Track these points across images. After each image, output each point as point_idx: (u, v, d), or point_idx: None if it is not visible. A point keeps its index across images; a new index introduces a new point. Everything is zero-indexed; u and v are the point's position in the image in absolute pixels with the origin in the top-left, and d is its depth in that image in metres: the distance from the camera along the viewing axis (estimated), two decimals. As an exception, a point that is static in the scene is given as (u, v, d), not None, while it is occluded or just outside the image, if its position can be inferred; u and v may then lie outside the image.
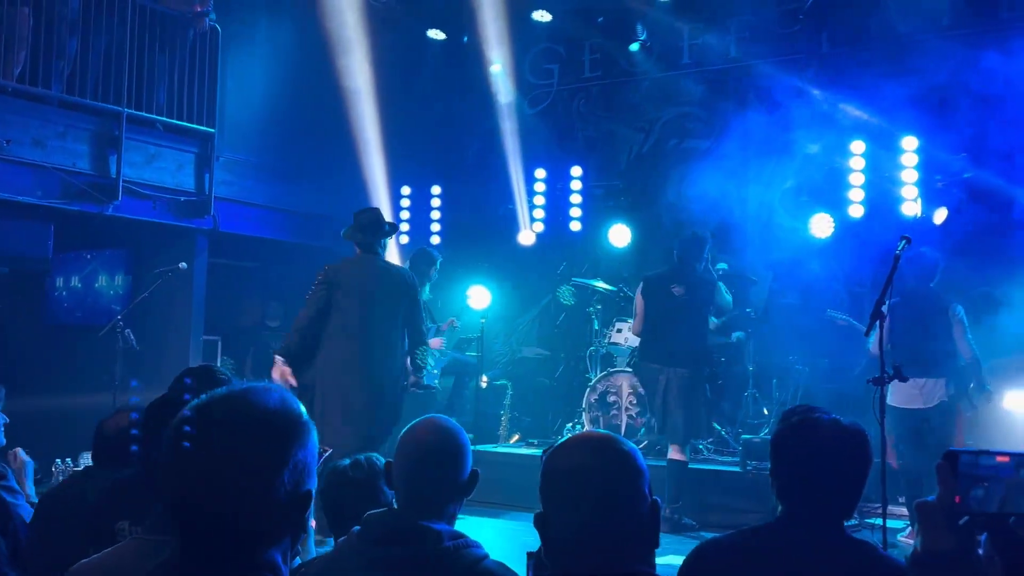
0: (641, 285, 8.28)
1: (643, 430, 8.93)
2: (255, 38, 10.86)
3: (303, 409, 1.70)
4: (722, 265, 9.60)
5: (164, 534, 2.25)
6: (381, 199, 11.08)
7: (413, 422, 2.69)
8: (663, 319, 7.93)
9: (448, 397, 10.09)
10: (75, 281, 10.76)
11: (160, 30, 9.64)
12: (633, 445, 2.05)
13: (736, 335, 9.63)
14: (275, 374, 6.70)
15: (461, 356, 9.95)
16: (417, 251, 9.15)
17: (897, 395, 7.11)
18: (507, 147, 11.15)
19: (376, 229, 6.93)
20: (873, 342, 6.46)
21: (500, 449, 9.60)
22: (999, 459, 1.67)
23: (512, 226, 11.24)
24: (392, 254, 10.86)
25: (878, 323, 5.70)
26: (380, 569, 2.42)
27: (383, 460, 3.23)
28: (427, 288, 9.11)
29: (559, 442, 2.08)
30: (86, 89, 9.01)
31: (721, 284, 8.07)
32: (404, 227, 11.81)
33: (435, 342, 9.05)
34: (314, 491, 1.67)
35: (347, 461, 3.44)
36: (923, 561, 1.64)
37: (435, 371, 9.13)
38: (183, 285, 9.83)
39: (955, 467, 1.65)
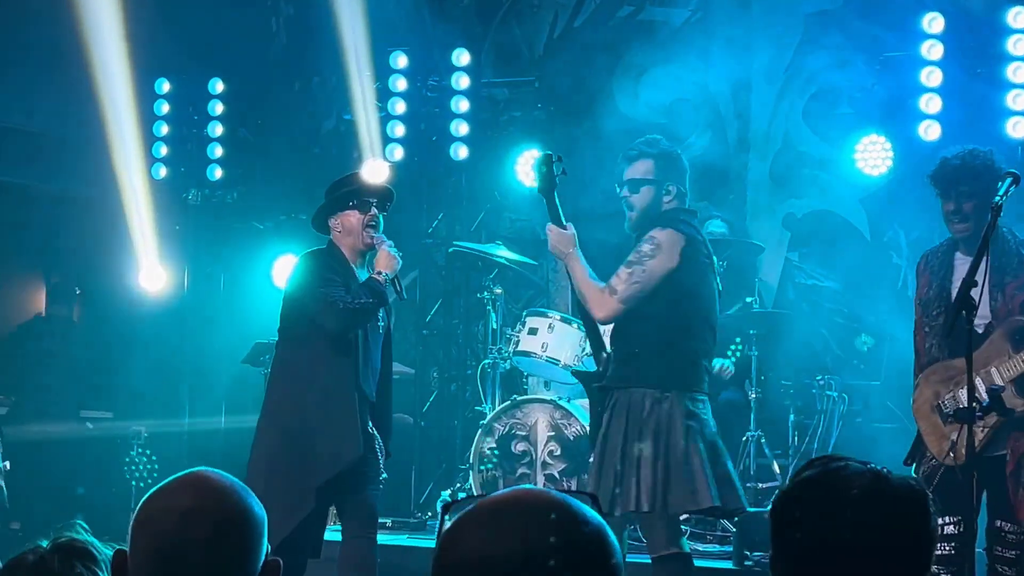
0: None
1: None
2: None
3: None
4: (716, 226, 8.94)
5: None
6: (120, 100, 9.92)
7: (164, 482, 2.51)
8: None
9: None
10: None
11: None
12: (599, 517, 1.79)
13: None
14: None
15: None
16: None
17: None
18: (341, 17, 9.81)
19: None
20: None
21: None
22: None
23: (349, 150, 10.34)
24: (139, 196, 10.52)
25: (964, 315, 5.14)
26: None
27: (104, 547, 2.82)
28: None
29: (461, 515, 1.79)
30: None
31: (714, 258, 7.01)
32: (162, 151, 10.81)
33: None
34: None
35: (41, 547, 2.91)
36: None
37: None
38: None
39: None
